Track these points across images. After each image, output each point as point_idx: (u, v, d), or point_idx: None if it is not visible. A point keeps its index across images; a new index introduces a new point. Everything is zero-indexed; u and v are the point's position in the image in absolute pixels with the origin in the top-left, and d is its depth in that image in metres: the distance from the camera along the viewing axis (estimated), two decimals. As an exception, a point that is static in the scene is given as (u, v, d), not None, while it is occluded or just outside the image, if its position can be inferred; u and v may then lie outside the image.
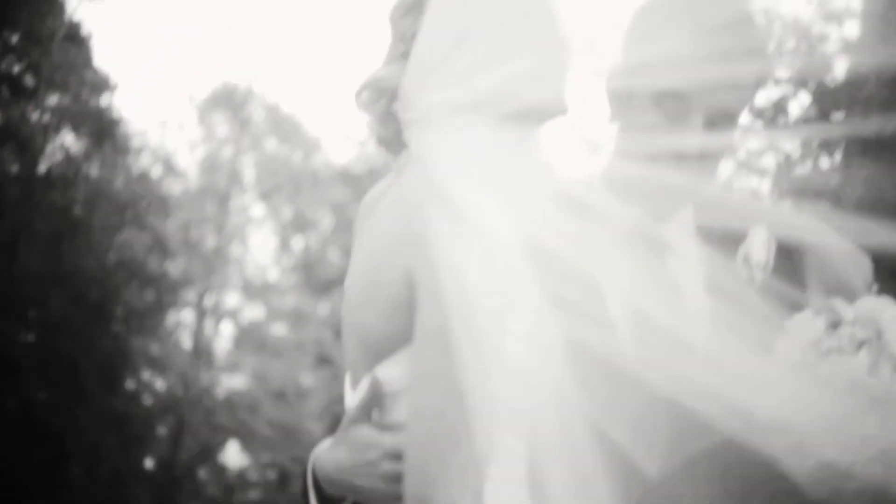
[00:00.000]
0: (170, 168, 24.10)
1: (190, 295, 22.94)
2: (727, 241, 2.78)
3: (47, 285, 15.88)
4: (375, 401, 2.30)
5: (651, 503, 2.37)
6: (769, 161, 9.87)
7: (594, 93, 2.76)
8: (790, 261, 2.75)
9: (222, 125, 26.20)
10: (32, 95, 16.69)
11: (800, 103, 8.78)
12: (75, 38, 17.89)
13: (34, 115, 16.87)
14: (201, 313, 23.61)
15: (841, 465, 2.21)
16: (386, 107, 2.47)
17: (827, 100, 8.18)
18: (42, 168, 16.96)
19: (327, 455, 2.24)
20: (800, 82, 8.35)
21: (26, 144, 16.35)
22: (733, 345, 2.46)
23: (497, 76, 2.39)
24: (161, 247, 19.01)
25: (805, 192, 9.13)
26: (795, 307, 2.47)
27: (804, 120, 8.80)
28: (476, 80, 2.38)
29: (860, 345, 2.24)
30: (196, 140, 25.95)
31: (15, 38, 16.63)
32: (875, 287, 2.69)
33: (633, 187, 2.72)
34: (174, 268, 20.46)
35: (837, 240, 2.76)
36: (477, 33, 2.40)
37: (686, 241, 2.81)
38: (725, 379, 2.42)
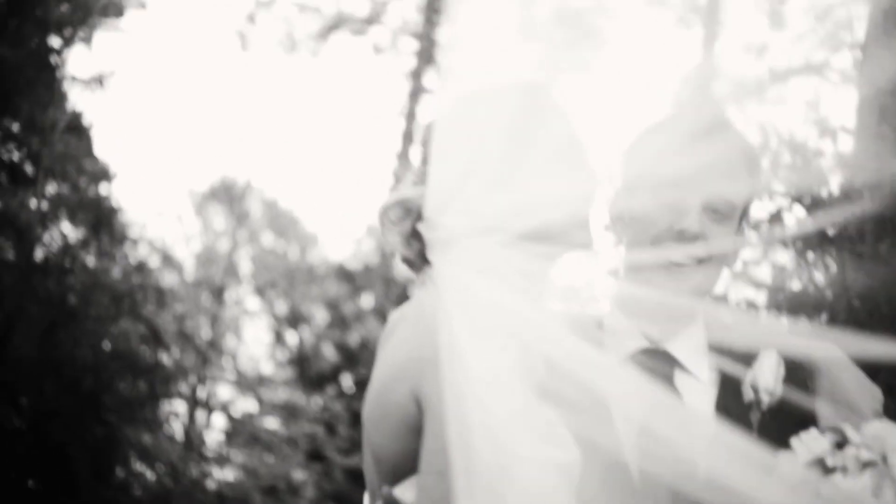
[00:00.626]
0: (166, 259, 24.19)
1: (183, 386, 22.84)
2: (738, 359, 2.83)
3: (41, 373, 15.82)
4: None
5: None
6: (765, 273, 9.91)
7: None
8: (800, 381, 2.79)
9: (219, 218, 26.33)
10: (31, 183, 16.75)
11: (795, 216, 8.84)
12: (77, 128, 18.01)
13: (32, 203, 16.91)
14: (194, 405, 23.51)
15: None
16: (411, 226, 2.52)
17: (822, 213, 8.25)
18: (39, 255, 16.97)
19: None
20: (795, 196, 8.42)
21: (23, 232, 16.37)
22: (736, 466, 2.49)
23: (510, 201, 2.43)
24: (156, 337, 18.96)
25: (800, 305, 9.17)
26: (802, 427, 2.51)
27: (799, 233, 8.86)
28: (490, 204, 2.42)
29: (865, 467, 2.27)
30: (193, 232, 26.08)
31: (16, 127, 16.73)
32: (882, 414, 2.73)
33: (640, 307, 2.78)
34: (168, 359, 20.37)
35: (850, 366, 2.82)
36: (488, 159, 2.45)
37: (696, 357, 2.87)
38: (727, 499, 2.45)
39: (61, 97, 17.23)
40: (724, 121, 3.02)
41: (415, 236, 2.51)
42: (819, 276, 9.61)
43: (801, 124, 8.49)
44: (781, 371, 2.76)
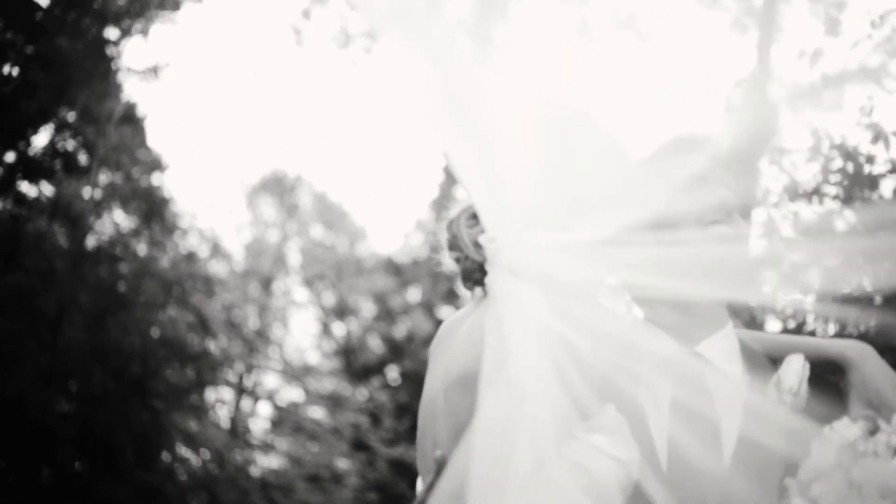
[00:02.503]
0: (216, 249, 24.34)
1: (230, 374, 23.01)
2: (767, 365, 2.88)
3: (90, 359, 15.99)
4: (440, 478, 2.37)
5: None
6: (815, 276, 9.86)
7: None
8: (830, 379, 2.85)
9: (270, 210, 26.49)
10: (86, 172, 16.92)
11: (846, 221, 8.80)
12: (131, 119, 18.19)
13: (86, 192, 17.08)
14: (240, 393, 23.68)
15: None
16: (477, 235, 2.56)
17: (871, 217, 8.21)
18: (91, 243, 17.15)
19: None
20: (846, 200, 8.39)
21: (77, 220, 16.56)
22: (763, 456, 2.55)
23: (572, 211, 2.47)
24: (203, 326, 19.12)
25: (848, 307, 9.12)
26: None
27: (850, 236, 8.82)
28: (566, 221, 2.46)
29: (895, 451, 2.31)
30: (243, 223, 26.24)
31: (72, 117, 16.89)
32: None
33: (668, 312, 2.83)
34: (215, 347, 20.52)
35: (881, 362, 2.86)
36: (558, 181, 2.48)
37: (727, 360, 2.91)
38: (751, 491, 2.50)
39: (117, 88, 17.39)
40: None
41: (479, 247, 2.54)
42: (867, 282, 9.57)
43: (854, 129, 8.44)
44: (806, 373, 2.82)
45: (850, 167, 8.15)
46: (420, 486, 2.56)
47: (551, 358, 2.34)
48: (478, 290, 2.60)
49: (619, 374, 2.50)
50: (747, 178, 8.82)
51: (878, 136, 8.20)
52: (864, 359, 2.89)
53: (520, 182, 2.48)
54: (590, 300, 2.52)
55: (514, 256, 2.43)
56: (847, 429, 2.41)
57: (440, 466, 2.40)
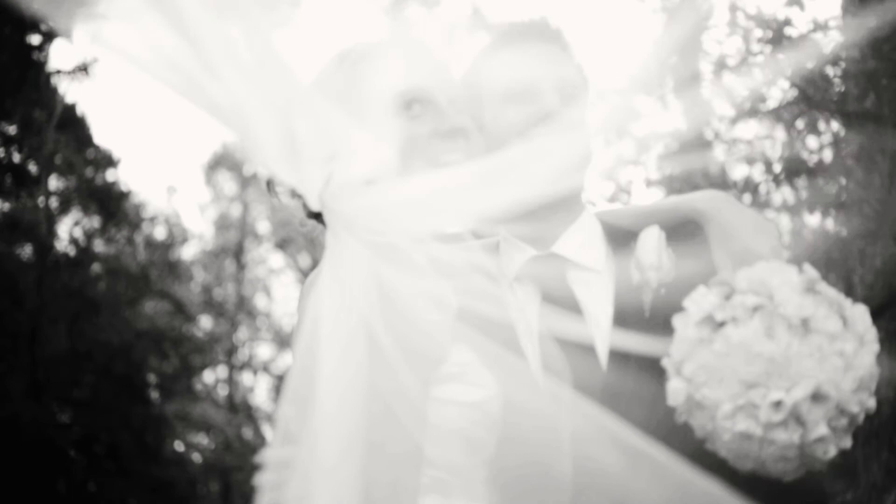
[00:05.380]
0: (183, 232, 24.24)
1: (220, 354, 23.02)
2: (633, 239, 2.78)
3: (73, 366, 15.99)
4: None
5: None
6: (759, 148, 9.85)
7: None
8: (693, 240, 2.71)
9: (229, 184, 26.38)
10: (37, 181, 16.79)
11: (780, 89, 8.75)
12: (72, 120, 18.01)
13: (40, 201, 16.99)
14: (232, 369, 23.69)
15: (756, 435, 2.21)
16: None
17: (805, 82, 8.17)
18: (54, 251, 17.09)
19: None
20: (775, 70, 8.32)
21: (34, 230, 16.47)
22: (632, 359, 2.48)
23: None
24: (181, 311, 19.10)
25: (797, 171, 9.11)
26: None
27: (787, 103, 8.79)
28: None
29: (753, 311, 2.25)
30: (206, 202, 26.13)
31: (12, 129, 16.72)
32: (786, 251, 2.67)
33: (518, 226, 2.74)
34: (198, 329, 20.51)
35: (738, 206, 2.74)
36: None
37: (587, 250, 2.81)
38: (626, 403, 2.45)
39: (52, 92, 17.18)
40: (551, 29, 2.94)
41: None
42: (812, 142, 9.56)
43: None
44: (663, 243, 2.69)
45: (770, 34, 8.07)
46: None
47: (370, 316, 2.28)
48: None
49: (480, 305, 2.43)
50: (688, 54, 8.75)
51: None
52: (717, 208, 2.73)
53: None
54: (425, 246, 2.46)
55: (347, 212, 2.36)
56: (704, 298, 2.33)
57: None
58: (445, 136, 2.53)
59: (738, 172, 10.02)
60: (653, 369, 2.40)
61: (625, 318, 2.66)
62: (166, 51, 2.25)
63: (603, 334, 2.65)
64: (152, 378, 17.96)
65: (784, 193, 9.28)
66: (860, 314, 2.30)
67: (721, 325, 2.27)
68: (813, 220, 9.58)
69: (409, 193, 2.33)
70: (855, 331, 2.27)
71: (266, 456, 2.36)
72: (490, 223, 2.77)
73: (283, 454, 2.29)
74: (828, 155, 9.51)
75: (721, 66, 8.48)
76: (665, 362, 2.35)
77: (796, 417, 2.22)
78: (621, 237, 2.83)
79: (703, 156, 9.52)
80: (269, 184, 2.62)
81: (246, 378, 24.64)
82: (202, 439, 21.28)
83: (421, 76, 2.60)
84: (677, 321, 2.34)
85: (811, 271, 2.32)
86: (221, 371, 23.70)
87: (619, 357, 2.60)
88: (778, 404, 2.22)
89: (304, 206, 2.50)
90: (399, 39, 2.77)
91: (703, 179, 9.20)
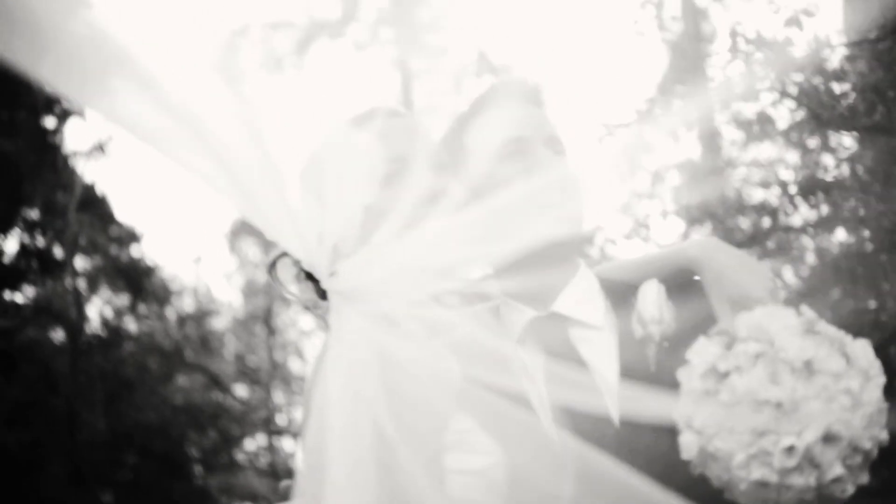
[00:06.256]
0: (212, 302, 24.26)
1: (259, 421, 22.96)
2: (631, 292, 2.76)
3: (113, 447, 16.01)
4: None
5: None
6: (774, 170, 9.82)
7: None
8: (690, 290, 2.69)
9: (253, 249, 26.41)
10: (62, 265, 16.89)
11: (787, 108, 8.75)
12: (92, 200, 18.11)
13: (68, 283, 17.06)
14: (270, 435, 23.60)
15: (772, 482, 2.19)
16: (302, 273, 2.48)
17: (812, 101, 8.14)
18: (85, 333, 17.14)
19: None
20: (780, 90, 8.31)
21: (64, 314, 16.54)
22: (642, 408, 2.44)
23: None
24: (216, 382, 19.11)
25: (814, 190, 9.06)
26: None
27: (797, 123, 8.77)
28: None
29: (756, 358, 2.23)
30: (231, 270, 26.17)
31: (34, 214, 16.85)
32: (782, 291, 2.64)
33: (516, 284, 2.72)
34: (237, 398, 20.48)
35: (731, 250, 2.71)
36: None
37: (586, 306, 2.78)
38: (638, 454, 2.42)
39: (70, 174, 17.31)
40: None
41: (309, 278, 2.46)
42: (828, 160, 9.51)
43: (768, 18, 8.35)
44: (662, 295, 2.66)
45: (772, 57, 8.07)
46: None
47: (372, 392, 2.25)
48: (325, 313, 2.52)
49: (484, 370, 2.40)
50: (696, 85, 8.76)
51: (791, 19, 8.14)
52: (709, 255, 2.70)
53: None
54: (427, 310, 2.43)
55: (348, 283, 2.34)
56: (706, 349, 2.32)
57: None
58: (428, 201, 2.50)
59: (756, 196, 9.98)
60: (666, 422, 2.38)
61: (631, 373, 2.64)
62: (172, 125, 2.25)
63: (612, 390, 2.63)
64: (194, 452, 17.96)
65: (803, 213, 9.21)
66: (862, 349, 2.29)
67: (725, 374, 2.26)
68: (836, 237, 9.52)
69: (407, 251, 2.32)
70: (859, 367, 2.25)
71: None
72: (490, 277, 2.76)
73: None
74: (844, 170, 9.46)
75: (727, 91, 8.48)
76: (674, 416, 2.33)
77: (810, 460, 2.20)
78: (619, 291, 2.80)
79: (718, 183, 9.51)
80: (272, 273, 2.60)
81: (286, 443, 24.57)
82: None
83: (401, 143, 2.59)
84: (681, 374, 2.32)
85: (809, 312, 2.30)
86: (261, 439, 23.63)
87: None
88: (790, 449, 2.20)
89: (315, 289, 2.47)
90: (379, 110, 2.77)
91: (720, 206, 9.17)
